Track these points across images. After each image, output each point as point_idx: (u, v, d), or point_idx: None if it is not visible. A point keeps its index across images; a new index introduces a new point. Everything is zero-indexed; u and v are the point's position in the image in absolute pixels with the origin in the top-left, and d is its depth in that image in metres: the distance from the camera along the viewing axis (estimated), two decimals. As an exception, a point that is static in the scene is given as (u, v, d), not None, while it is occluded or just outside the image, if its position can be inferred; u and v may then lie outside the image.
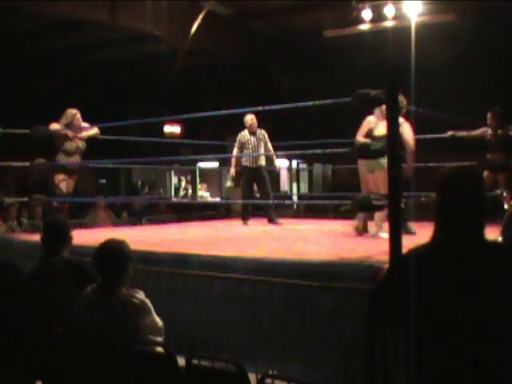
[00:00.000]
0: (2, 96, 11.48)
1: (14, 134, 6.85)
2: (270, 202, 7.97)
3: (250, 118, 7.93)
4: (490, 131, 7.30)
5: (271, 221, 7.88)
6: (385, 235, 6.02)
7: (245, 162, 8.01)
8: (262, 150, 7.95)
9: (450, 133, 7.42)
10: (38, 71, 13.13)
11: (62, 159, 6.94)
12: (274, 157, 8.20)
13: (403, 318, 2.14)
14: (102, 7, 10.00)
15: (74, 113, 7.00)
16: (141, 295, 3.19)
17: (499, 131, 7.22)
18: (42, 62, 13.05)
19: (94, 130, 7.18)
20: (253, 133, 7.94)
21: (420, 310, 2.07)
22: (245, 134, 7.99)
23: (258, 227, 7.66)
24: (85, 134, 7.05)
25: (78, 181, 7.31)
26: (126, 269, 3.24)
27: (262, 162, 7.99)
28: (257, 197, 8.41)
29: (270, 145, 7.98)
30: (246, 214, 8.08)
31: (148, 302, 3.19)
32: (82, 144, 7.04)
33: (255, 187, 8.19)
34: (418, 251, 2.20)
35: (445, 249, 2.13)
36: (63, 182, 6.91)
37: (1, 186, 11.68)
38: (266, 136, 7.98)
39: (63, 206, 6.92)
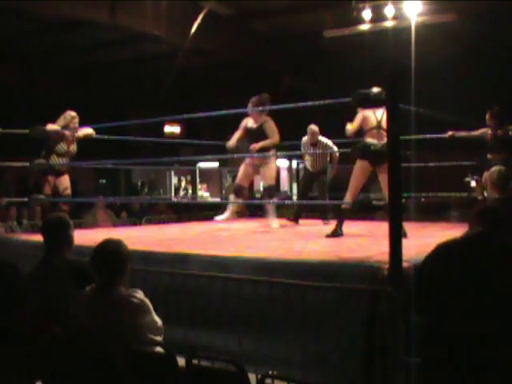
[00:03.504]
0: (2, 96, 11.48)
1: (14, 134, 6.85)
2: (271, 202, 7.94)
3: (308, 131, 8.02)
4: (489, 131, 7.29)
5: (323, 221, 7.98)
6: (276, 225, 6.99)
7: (307, 164, 8.25)
8: (321, 160, 8.06)
9: (449, 133, 7.42)
10: (38, 71, 13.13)
11: (53, 160, 6.95)
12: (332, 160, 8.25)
13: (428, 311, 2.14)
14: (102, 7, 10.00)
15: (73, 115, 7.00)
16: (140, 295, 3.19)
17: (499, 131, 7.21)
18: (42, 61, 13.05)
19: (89, 130, 7.20)
20: (312, 144, 8.02)
21: (449, 304, 2.07)
22: (306, 142, 8.09)
23: (258, 227, 7.65)
24: (81, 132, 7.07)
25: (77, 181, 7.32)
26: (123, 268, 3.24)
27: (322, 167, 8.10)
28: (257, 197, 8.42)
29: (333, 149, 7.96)
30: (299, 212, 8.24)
31: (147, 301, 3.19)
32: (72, 148, 7.06)
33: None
34: (450, 247, 2.20)
35: (477, 247, 2.14)
36: (47, 185, 6.96)
37: (1, 186, 11.69)
38: (330, 146, 7.98)
39: (58, 205, 6.92)
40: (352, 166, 6.22)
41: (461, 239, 2.24)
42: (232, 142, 7.39)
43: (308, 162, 8.27)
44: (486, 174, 6.41)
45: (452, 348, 2.10)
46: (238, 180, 7.40)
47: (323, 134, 8.09)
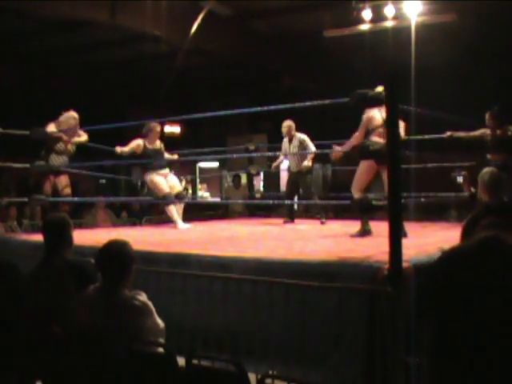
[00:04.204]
0: (2, 96, 11.47)
1: (13, 134, 6.86)
2: (271, 202, 7.98)
3: (282, 126, 8.12)
4: (489, 131, 7.29)
5: (320, 221, 8.02)
6: (184, 226, 7.29)
7: (290, 164, 8.38)
8: (298, 157, 8.10)
9: (448, 133, 7.41)
10: (38, 71, 13.12)
11: (53, 159, 6.97)
12: (307, 158, 8.17)
13: (438, 314, 2.13)
14: (102, 7, 9.99)
15: (76, 117, 7.05)
16: (143, 297, 3.19)
17: (498, 131, 7.21)
18: (41, 61, 13.05)
19: (84, 137, 7.25)
20: (289, 139, 8.09)
21: (459, 309, 2.06)
22: (285, 141, 8.23)
23: (257, 227, 7.66)
24: (76, 139, 7.14)
25: (77, 181, 7.35)
26: (128, 270, 3.24)
27: (303, 166, 8.09)
28: (257, 197, 8.43)
29: (310, 148, 7.96)
30: (291, 213, 8.40)
31: (150, 303, 3.18)
32: (71, 147, 7.11)
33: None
34: (462, 250, 2.19)
35: (493, 251, 2.12)
36: (48, 183, 6.98)
37: (1, 186, 11.69)
38: (305, 140, 8.02)
39: (58, 205, 6.93)
40: (350, 166, 6.24)
41: (475, 243, 2.22)
42: (125, 150, 7.55)
43: (290, 162, 8.33)
44: None
45: (464, 349, 2.09)
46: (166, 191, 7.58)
47: (323, 134, 8.07)
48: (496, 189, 4.67)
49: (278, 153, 8.64)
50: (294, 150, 8.05)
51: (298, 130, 8.25)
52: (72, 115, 7.04)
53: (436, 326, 2.16)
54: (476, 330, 2.04)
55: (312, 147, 7.95)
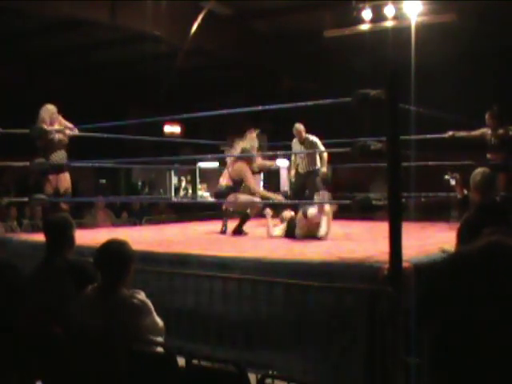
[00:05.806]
0: (2, 96, 11.47)
1: (14, 134, 6.85)
2: (270, 202, 7.96)
3: (295, 129, 8.06)
4: (489, 131, 7.29)
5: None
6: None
7: (298, 166, 8.31)
8: (308, 158, 8.05)
9: (449, 133, 7.41)
10: (38, 71, 13.13)
11: (52, 157, 6.94)
12: (321, 160, 8.14)
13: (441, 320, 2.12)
14: (102, 7, 10.01)
15: (53, 111, 7.02)
16: (141, 296, 3.19)
17: (499, 131, 7.21)
18: (42, 61, 13.06)
19: (76, 131, 7.20)
20: (301, 142, 8.04)
21: (461, 311, 2.06)
22: (294, 142, 8.17)
23: (257, 227, 7.65)
24: (70, 132, 7.08)
25: (77, 181, 7.30)
26: (127, 269, 3.24)
27: (311, 168, 8.06)
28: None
29: (321, 150, 7.93)
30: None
31: (148, 302, 3.18)
32: (64, 139, 7.04)
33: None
34: (466, 254, 2.19)
35: (493, 254, 2.12)
36: (48, 183, 6.96)
37: (1, 186, 11.69)
38: (317, 143, 7.96)
39: (58, 205, 6.91)
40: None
41: (478, 246, 2.22)
42: None
43: (298, 163, 8.28)
44: None
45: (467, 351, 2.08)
46: None
47: (324, 134, 8.07)
48: (487, 189, 4.63)
49: (278, 152, 8.62)
50: (305, 152, 8.01)
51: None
52: (49, 107, 7.03)
53: (437, 326, 2.16)
54: (477, 331, 2.04)
55: (322, 148, 7.91)
